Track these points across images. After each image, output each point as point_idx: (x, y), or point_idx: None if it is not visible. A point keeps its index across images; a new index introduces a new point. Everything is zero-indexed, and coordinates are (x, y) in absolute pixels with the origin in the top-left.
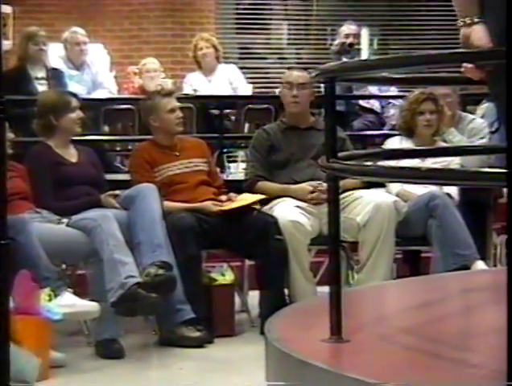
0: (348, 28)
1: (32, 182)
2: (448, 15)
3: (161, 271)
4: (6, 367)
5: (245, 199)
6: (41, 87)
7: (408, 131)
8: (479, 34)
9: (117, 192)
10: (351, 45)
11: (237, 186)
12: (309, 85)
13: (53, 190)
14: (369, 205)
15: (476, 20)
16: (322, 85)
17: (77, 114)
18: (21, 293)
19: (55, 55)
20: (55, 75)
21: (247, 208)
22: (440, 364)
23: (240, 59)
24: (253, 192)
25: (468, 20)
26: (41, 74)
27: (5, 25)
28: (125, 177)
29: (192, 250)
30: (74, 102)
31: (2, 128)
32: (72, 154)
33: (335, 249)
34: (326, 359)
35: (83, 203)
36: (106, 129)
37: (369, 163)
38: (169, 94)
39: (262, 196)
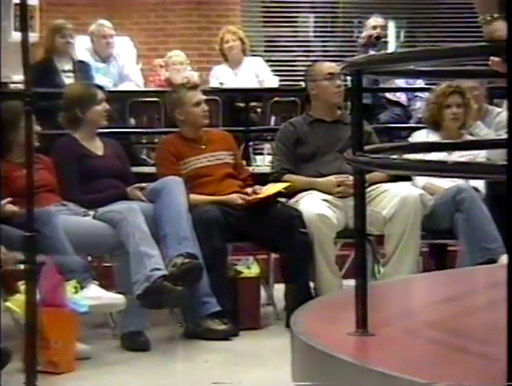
0: (375, 20)
1: (59, 175)
2: (475, 8)
3: (187, 260)
4: (34, 355)
5: (271, 188)
6: (68, 79)
7: (435, 124)
8: (502, 28)
9: (143, 185)
10: (378, 38)
11: (262, 179)
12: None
13: (79, 182)
14: (395, 198)
15: (496, 16)
16: (348, 78)
17: (103, 107)
18: (47, 286)
19: (81, 47)
20: (81, 68)
21: (272, 200)
22: (466, 358)
23: (266, 51)
24: None
25: (488, 17)
26: (68, 66)
27: (31, 17)
28: (151, 170)
29: (217, 243)
30: (100, 95)
31: (29, 120)
32: (98, 147)
33: (361, 243)
34: (352, 353)
35: (109, 195)
36: (132, 121)
37: (395, 156)
38: (194, 87)
39: (287, 184)
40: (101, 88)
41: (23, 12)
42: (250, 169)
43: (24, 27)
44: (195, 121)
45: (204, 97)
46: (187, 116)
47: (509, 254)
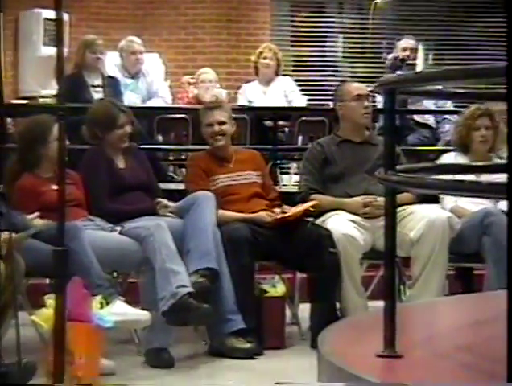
0: (406, 42)
1: (87, 187)
2: (505, 31)
3: (200, 279)
4: (62, 370)
5: (299, 207)
6: (97, 94)
7: (463, 147)
8: None
9: (169, 204)
10: (402, 60)
11: (289, 198)
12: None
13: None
14: (422, 220)
15: None
16: (376, 98)
17: (124, 131)
18: (73, 300)
19: (111, 63)
20: (110, 84)
21: (300, 218)
22: (493, 382)
23: (294, 71)
24: None
25: None
26: (97, 82)
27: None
28: (179, 186)
29: (245, 261)
30: (122, 118)
31: (62, 134)
32: (121, 159)
33: (390, 263)
34: (380, 374)
35: (136, 209)
36: (160, 138)
37: (428, 176)
38: (215, 107)
39: (315, 202)
40: (125, 110)
41: (59, 27)
42: (277, 188)
43: (60, 42)
44: (208, 141)
45: (223, 118)
46: (204, 136)
47: (509, 253)
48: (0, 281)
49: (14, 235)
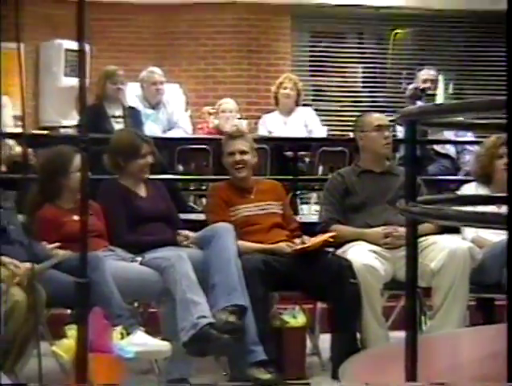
0: (427, 73)
1: (107, 219)
2: None
3: (231, 318)
4: None
5: (318, 238)
6: (118, 125)
7: (485, 177)
8: None
9: (189, 234)
10: (423, 90)
11: (309, 228)
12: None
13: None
14: (443, 251)
15: None
16: (397, 129)
17: (146, 161)
18: (94, 331)
19: (131, 94)
20: (131, 114)
21: (320, 249)
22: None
23: (314, 101)
24: None
25: None
26: (118, 112)
27: None
28: (199, 217)
29: (258, 293)
30: (145, 148)
31: (85, 165)
32: (141, 189)
33: (412, 293)
34: None
35: (157, 240)
36: (180, 168)
37: (449, 207)
38: (236, 137)
39: (333, 233)
40: (147, 140)
41: (81, 58)
42: (297, 218)
43: (82, 73)
44: (230, 171)
45: (244, 148)
46: (226, 165)
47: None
48: (21, 312)
49: (35, 265)
